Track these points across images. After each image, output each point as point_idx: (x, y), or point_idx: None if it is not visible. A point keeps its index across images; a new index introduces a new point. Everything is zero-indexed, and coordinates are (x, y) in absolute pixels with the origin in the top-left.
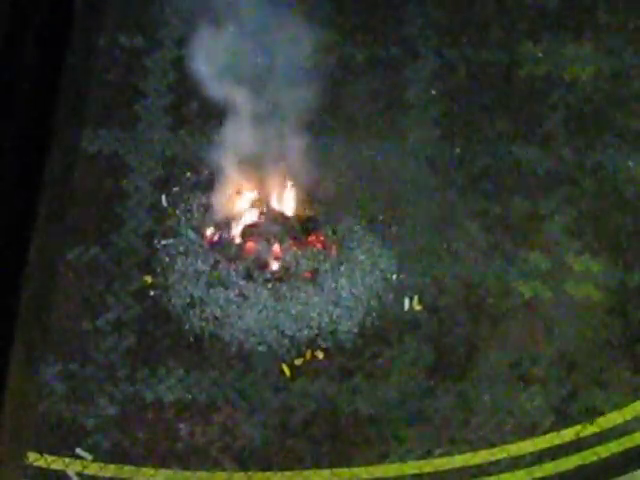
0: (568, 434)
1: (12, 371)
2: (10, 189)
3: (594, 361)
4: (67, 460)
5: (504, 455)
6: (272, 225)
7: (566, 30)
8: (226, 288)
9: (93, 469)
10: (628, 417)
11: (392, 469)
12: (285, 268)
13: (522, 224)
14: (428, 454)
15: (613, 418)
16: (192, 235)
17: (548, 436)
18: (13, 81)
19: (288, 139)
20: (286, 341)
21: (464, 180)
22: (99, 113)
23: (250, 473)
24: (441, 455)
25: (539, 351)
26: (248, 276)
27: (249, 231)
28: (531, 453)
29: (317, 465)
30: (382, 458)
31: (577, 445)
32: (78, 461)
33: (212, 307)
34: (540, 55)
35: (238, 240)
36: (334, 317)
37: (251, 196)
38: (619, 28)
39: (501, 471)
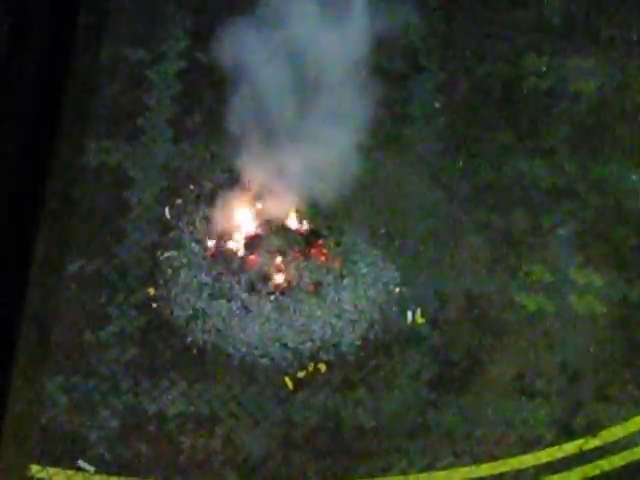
0: (571, 447)
1: (15, 383)
2: (12, 202)
3: (597, 374)
4: (69, 472)
5: (507, 468)
6: (275, 238)
7: (570, 43)
8: (229, 300)
9: None
10: (631, 430)
11: None
12: (288, 281)
13: (525, 237)
14: (430, 467)
15: (616, 432)
16: (195, 247)
17: (551, 449)
18: (15, 95)
19: (291, 152)
20: (289, 354)
21: (467, 193)
22: (102, 125)
23: None
24: (444, 468)
25: (542, 364)
26: (251, 288)
27: (252, 243)
28: (534, 466)
29: (320, 478)
30: (385, 471)
31: (580, 459)
32: (80, 473)
33: (215, 319)
34: (544, 68)
35: (241, 252)
36: (337, 330)
37: (254, 209)
38: (622, 41)
39: None
